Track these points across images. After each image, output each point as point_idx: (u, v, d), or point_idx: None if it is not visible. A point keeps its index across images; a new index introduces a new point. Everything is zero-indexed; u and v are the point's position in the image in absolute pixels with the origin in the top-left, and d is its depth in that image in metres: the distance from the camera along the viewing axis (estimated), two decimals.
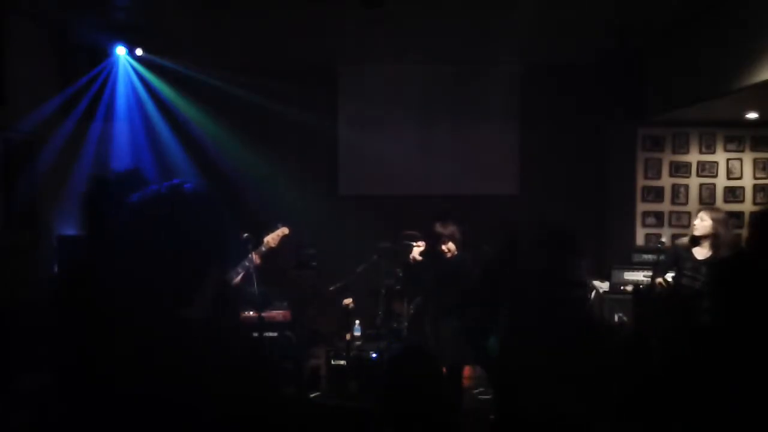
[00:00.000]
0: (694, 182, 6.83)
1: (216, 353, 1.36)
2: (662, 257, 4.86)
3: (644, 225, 6.89)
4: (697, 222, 4.48)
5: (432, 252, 4.80)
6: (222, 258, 1.49)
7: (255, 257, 4.40)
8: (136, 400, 1.26)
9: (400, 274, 5.56)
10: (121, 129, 6.29)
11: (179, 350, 1.31)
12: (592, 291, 5.65)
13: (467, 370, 5.24)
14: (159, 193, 1.43)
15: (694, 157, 6.82)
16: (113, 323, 1.35)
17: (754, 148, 6.84)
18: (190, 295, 1.39)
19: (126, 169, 2.03)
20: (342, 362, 5.23)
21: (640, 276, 5.66)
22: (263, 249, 4.54)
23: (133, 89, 6.25)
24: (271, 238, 4.57)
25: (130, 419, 1.26)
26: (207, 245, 1.42)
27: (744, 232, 4.02)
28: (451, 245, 4.70)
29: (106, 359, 1.30)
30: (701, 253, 4.43)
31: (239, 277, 4.47)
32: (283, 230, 4.65)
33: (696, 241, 4.47)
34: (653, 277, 4.76)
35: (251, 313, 4.74)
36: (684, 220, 6.76)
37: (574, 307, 2.35)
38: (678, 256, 4.58)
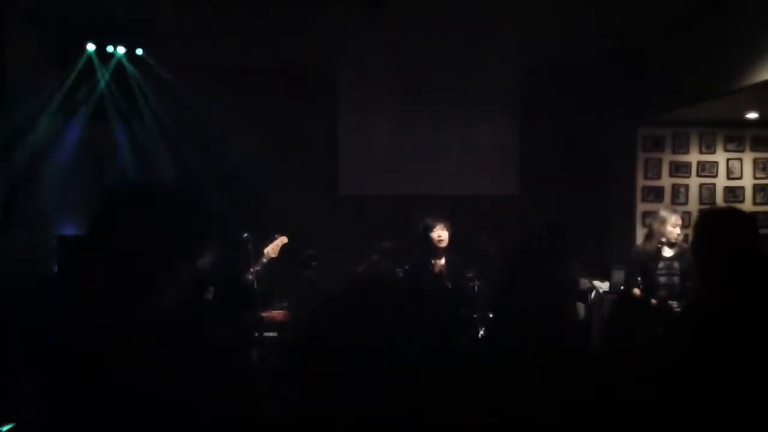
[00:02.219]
0: (694, 182, 6.82)
1: (190, 345, 1.37)
2: (625, 268, 5.06)
3: (644, 225, 6.88)
4: (671, 228, 4.64)
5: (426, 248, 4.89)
6: (194, 253, 1.51)
7: (256, 268, 4.50)
8: (131, 398, 1.26)
9: (400, 274, 5.57)
10: (122, 129, 6.29)
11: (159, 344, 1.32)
12: (591, 291, 5.64)
13: None
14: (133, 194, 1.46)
15: (694, 157, 6.81)
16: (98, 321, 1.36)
17: (754, 148, 6.83)
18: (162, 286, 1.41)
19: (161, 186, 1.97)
20: None
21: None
22: (264, 260, 4.58)
23: (133, 89, 6.25)
24: (271, 249, 4.67)
25: (127, 417, 1.26)
26: (176, 241, 1.43)
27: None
28: (444, 234, 4.82)
29: (98, 358, 1.30)
30: (667, 251, 4.67)
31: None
32: (282, 239, 4.77)
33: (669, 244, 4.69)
34: (627, 289, 4.91)
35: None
36: (684, 221, 6.75)
37: (552, 312, 2.33)
38: (643, 262, 4.79)
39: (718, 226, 2.37)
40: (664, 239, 4.65)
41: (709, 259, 2.34)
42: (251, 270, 4.47)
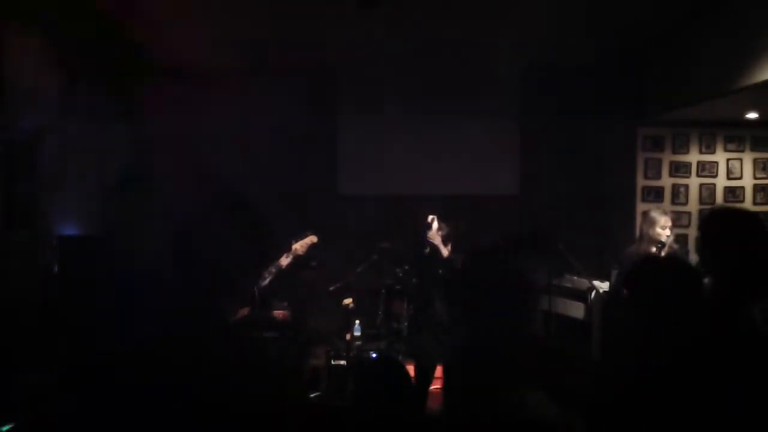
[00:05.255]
0: (694, 182, 6.83)
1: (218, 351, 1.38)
2: (616, 269, 5.03)
3: None
4: (660, 230, 4.64)
5: (431, 251, 4.85)
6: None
7: (284, 262, 4.46)
8: (140, 396, 1.26)
9: (400, 274, 5.57)
10: (122, 129, 6.29)
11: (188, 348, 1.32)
12: (591, 291, 5.64)
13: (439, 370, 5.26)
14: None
15: (694, 157, 6.82)
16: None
17: (754, 148, 6.84)
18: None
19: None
20: (342, 362, 5.23)
21: None
22: (291, 256, 4.56)
23: (133, 90, 6.24)
24: (300, 246, 4.61)
25: (133, 415, 1.26)
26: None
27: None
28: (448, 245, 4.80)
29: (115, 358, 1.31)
30: (657, 253, 4.61)
31: (267, 281, 4.48)
32: (312, 238, 4.71)
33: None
34: (617, 289, 4.90)
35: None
36: (684, 221, 6.77)
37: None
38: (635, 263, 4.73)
39: (731, 225, 2.39)
40: (653, 241, 4.65)
41: (719, 258, 2.36)
42: (277, 264, 4.45)
